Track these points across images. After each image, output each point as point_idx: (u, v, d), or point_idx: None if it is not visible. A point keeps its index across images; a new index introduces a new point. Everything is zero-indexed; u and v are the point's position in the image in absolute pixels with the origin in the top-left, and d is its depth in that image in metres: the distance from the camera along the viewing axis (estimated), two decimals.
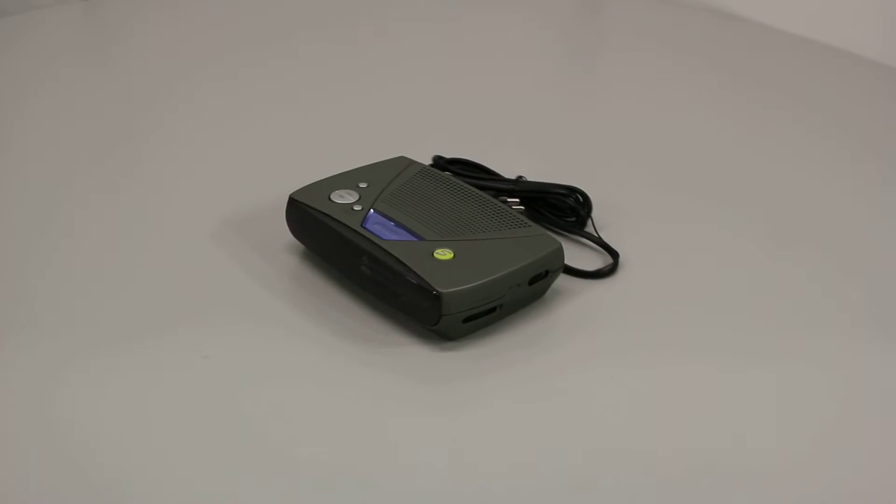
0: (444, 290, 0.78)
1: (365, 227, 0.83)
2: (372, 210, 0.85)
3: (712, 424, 0.75)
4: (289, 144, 1.04)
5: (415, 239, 0.82)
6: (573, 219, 0.91)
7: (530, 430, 0.75)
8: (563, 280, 0.86)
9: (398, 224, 0.83)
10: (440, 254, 0.81)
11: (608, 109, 1.15)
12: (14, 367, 0.78)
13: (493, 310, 0.80)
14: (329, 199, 0.86)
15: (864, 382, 0.79)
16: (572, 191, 0.91)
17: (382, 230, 0.83)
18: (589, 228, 0.91)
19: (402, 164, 0.91)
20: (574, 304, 0.85)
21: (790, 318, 0.85)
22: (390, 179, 0.88)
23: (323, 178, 0.88)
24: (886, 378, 0.79)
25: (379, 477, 0.71)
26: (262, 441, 0.73)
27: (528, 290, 0.82)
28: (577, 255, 0.89)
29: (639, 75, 1.20)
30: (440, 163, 0.95)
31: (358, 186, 0.87)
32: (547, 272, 0.83)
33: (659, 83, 1.18)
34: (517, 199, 0.93)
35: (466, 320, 0.79)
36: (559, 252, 0.83)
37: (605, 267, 0.88)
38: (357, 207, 0.85)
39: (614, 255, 0.89)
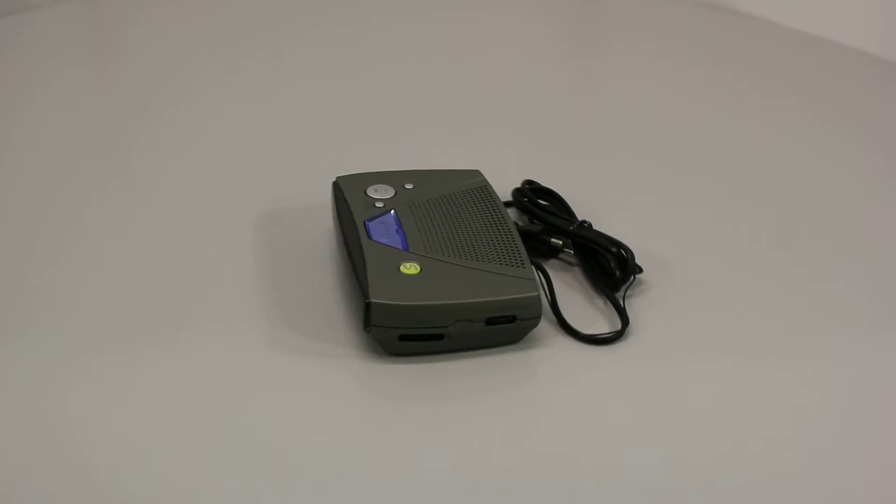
0: (375, 300, 0.77)
1: (366, 224, 0.83)
2: (392, 211, 0.84)
3: (719, 430, 0.76)
4: (290, 145, 1.04)
5: (399, 248, 0.81)
6: (615, 276, 0.85)
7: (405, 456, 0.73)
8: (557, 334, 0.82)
9: (400, 230, 0.83)
10: (407, 267, 0.79)
11: (609, 105, 1.16)
12: (15, 368, 0.79)
13: (438, 337, 0.78)
14: (364, 191, 0.86)
15: (880, 381, 0.80)
16: (618, 247, 0.85)
17: (380, 231, 0.82)
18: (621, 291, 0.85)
19: (465, 177, 0.89)
20: (551, 360, 0.80)
21: (802, 318, 0.85)
22: (439, 188, 0.87)
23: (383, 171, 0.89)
24: None
25: None
26: (263, 443, 0.74)
27: (488, 329, 0.78)
28: (588, 312, 0.84)
29: (640, 71, 1.20)
30: (524, 189, 0.92)
31: (403, 187, 0.87)
32: (514, 318, 0.79)
33: (660, 79, 1.18)
34: (568, 241, 0.88)
35: (403, 338, 0.78)
36: (534, 301, 0.78)
37: (604, 334, 0.81)
38: (379, 204, 0.85)
39: (625, 321, 0.82)
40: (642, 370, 0.80)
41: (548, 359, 0.80)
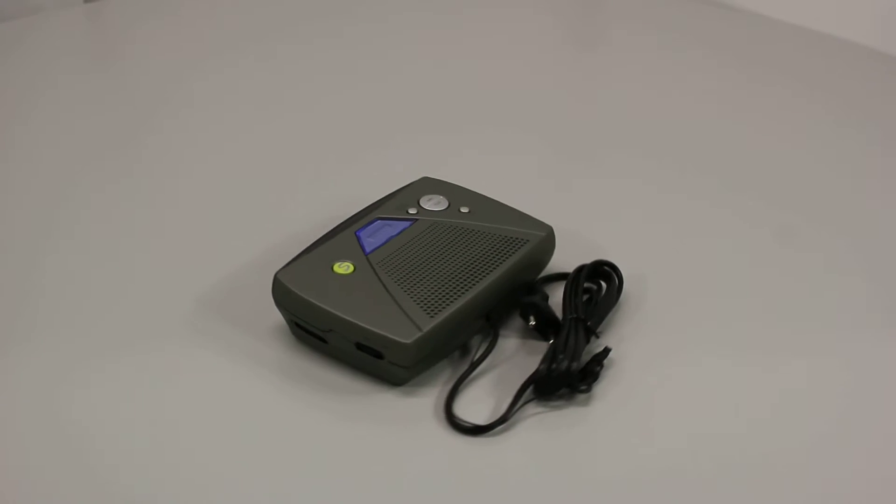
0: (280, 278, 0.79)
1: (373, 221, 0.84)
2: (410, 222, 0.84)
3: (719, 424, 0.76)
4: (291, 147, 1.04)
5: (364, 249, 0.81)
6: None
7: None
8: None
9: (390, 239, 0.82)
10: (340, 266, 0.80)
11: (611, 101, 1.15)
12: (19, 370, 0.79)
13: (321, 339, 0.78)
14: (419, 198, 0.86)
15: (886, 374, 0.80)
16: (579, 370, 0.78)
17: (373, 231, 0.83)
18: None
19: (526, 226, 0.85)
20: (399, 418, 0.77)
21: (804, 312, 0.85)
22: (485, 221, 0.85)
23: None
24: None
25: None
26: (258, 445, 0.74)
27: (359, 354, 0.77)
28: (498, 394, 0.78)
29: (640, 67, 1.20)
30: (584, 266, 0.85)
31: (459, 209, 0.85)
32: (382, 355, 0.76)
33: (660, 74, 1.18)
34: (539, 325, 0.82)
35: (297, 326, 0.79)
36: (399, 347, 0.75)
37: (467, 423, 0.75)
38: (412, 211, 0.85)
39: (502, 419, 0.75)
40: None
41: (398, 416, 0.77)
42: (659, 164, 1.02)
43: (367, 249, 0.81)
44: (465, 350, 0.81)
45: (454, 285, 0.79)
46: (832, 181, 1.00)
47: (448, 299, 0.78)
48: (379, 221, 0.84)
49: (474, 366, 0.78)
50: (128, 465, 0.73)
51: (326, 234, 0.83)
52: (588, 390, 0.76)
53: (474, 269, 0.81)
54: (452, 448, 0.74)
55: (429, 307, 0.77)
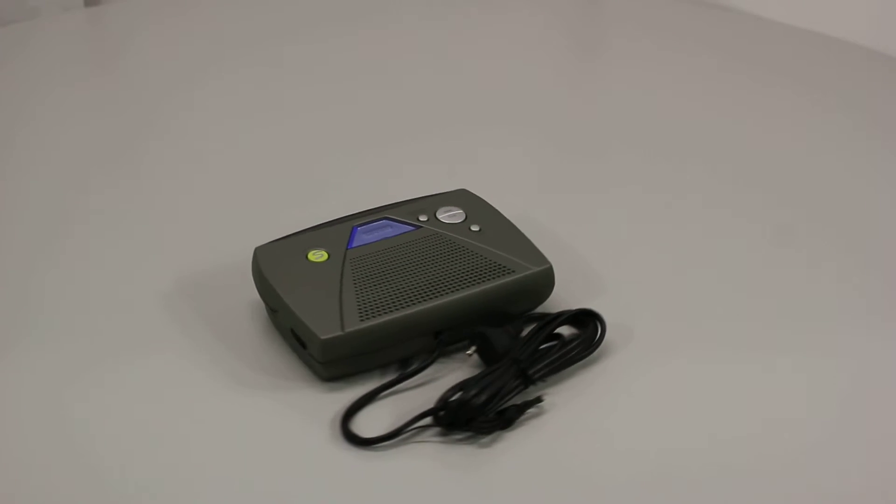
0: (256, 252, 0.81)
1: (380, 220, 0.84)
2: (413, 228, 0.83)
3: (716, 422, 0.76)
4: (294, 150, 1.04)
5: (350, 243, 0.82)
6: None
7: None
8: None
9: (381, 239, 0.82)
10: (314, 254, 0.81)
11: (610, 103, 1.15)
12: (23, 372, 0.79)
13: (273, 310, 0.80)
14: (438, 209, 0.85)
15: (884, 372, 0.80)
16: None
17: (372, 229, 0.83)
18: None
19: (528, 259, 0.82)
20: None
21: (803, 311, 0.85)
22: (490, 247, 0.83)
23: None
24: None
25: None
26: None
27: (293, 339, 0.78)
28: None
29: (641, 69, 1.20)
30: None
31: (470, 228, 0.84)
32: (305, 346, 0.77)
33: (661, 76, 1.18)
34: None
35: (265, 302, 0.81)
36: (313, 339, 0.75)
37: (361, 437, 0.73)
38: (422, 218, 0.84)
39: (394, 432, 0.74)
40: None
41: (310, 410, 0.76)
42: (663, 165, 1.03)
43: (352, 244, 0.82)
44: (406, 364, 0.79)
45: (406, 296, 0.78)
46: (832, 181, 1.00)
47: (390, 308, 0.77)
48: (384, 221, 0.84)
49: (394, 382, 0.76)
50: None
51: (332, 220, 0.84)
52: (487, 433, 0.73)
53: (439, 286, 0.79)
54: (331, 453, 0.73)
55: (366, 311, 0.77)
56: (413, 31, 1.27)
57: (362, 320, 0.76)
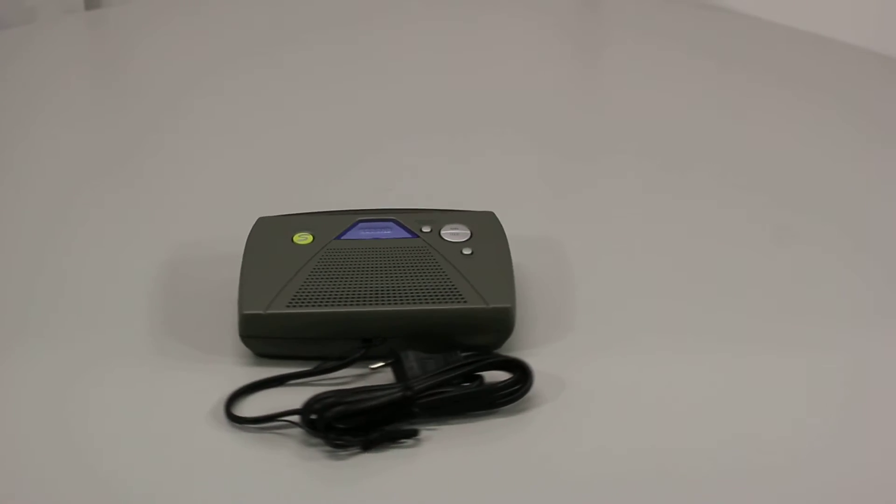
0: (257, 222, 0.84)
1: (388, 219, 0.84)
2: (417, 238, 0.82)
3: (717, 420, 0.76)
4: (298, 154, 1.04)
5: (342, 234, 0.82)
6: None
7: None
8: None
9: (379, 240, 0.82)
10: (301, 236, 0.82)
11: (610, 106, 1.16)
12: (23, 373, 0.79)
13: None
14: (443, 227, 0.83)
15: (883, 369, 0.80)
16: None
17: (378, 227, 0.83)
18: None
19: (491, 294, 0.79)
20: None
21: (804, 307, 0.85)
22: (466, 272, 0.80)
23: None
24: None
25: None
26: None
27: None
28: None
29: (640, 72, 1.20)
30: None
31: (462, 251, 0.81)
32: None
33: (660, 79, 1.18)
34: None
35: None
36: (239, 315, 0.77)
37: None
38: (426, 229, 0.83)
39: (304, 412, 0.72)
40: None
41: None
42: (661, 166, 1.02)
43: (343, 236, 0.82)
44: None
45: (349, 296, 0.77)
46: (831, 183, 1.00)
47: (324, 302, 0.77)
48: (390, 223, 0.84)
49: (303, 374, 0.76)
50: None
51: (343, 210, 0.84)
52: (341, 447, 0.71)
53: (387, 295, 0.78)
54: (213, 426, 0.74)
55: (300, 299, 0.77)
56: (412, 36, 1.27)
57: (289, 306, 0.77)
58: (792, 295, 0.87)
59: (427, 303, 0.77)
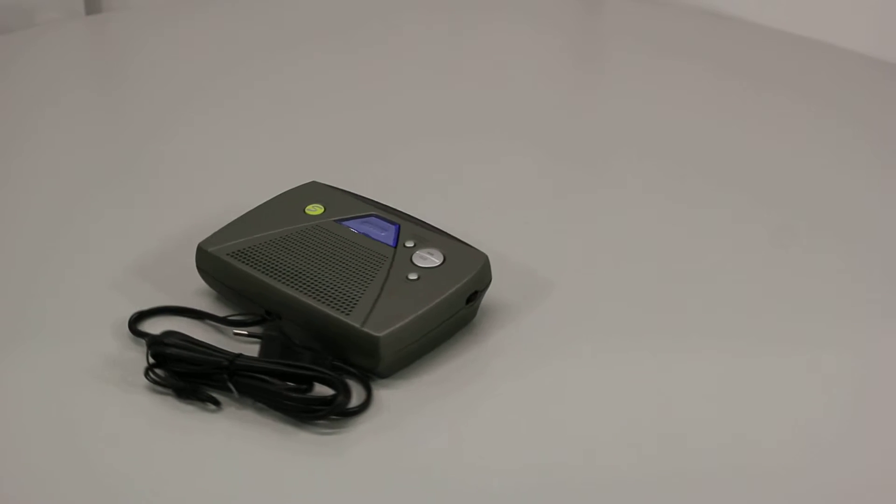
0: (306, 184, 0.90)
1: (397, 223, 0.85)
2: (398, 250, 0.83)
3: (716, 418, 0.76)
4: (300, 156, 1.04)
5: (346, 222, 0.85)
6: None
7: None
8: None
9: (364, 235, 0.84)
10: (313, 207, 0.87)
11: (610, 112, 1.15)
12: (22, 374, 0.80)
13: None
14: (419, 250, 0.83)
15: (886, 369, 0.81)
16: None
17: (381, 226, 0.85)
18: None
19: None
20: None
21: (802, 307, 0.86)
22: (379, 293, 0.80)
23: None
24: None
25: None
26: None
27: None
28: None
29: (640, 78, 1.20)
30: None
31: (408, 276, 0.81)
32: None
33: (660, 86, 1.18)
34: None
35: None
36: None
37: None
38: (409, 244, 0.83)
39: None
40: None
41: None
42: (658, 171, 1.03)
43: (344, 221, 0.85)
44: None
45: (272, 268, 0.81)
46: (831, 187, 1.01)
47: (249, 264, 0.82)
48: (392, 226, 0.85)
49: (202, 315, 0.83)
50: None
51: (376, 202, 0.87)
52: (156, 383, 0.77)
53: (302, 282, 0.80)
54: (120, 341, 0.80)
55: (239, 254, 0.83)
56: (411, 42, 1.27)
57: (227, 255, 0.83)
58: (790, 296, 0.87)
59: (321, 301, 0.79)
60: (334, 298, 0.79)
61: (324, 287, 0.80)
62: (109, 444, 0.74)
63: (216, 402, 0.76)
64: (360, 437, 0.74)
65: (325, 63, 1.22)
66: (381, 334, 0.76)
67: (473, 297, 0.81)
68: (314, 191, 0.89)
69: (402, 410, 0.76)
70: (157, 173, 1.03)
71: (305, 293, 0.79)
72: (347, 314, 0.78)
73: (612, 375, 0.80)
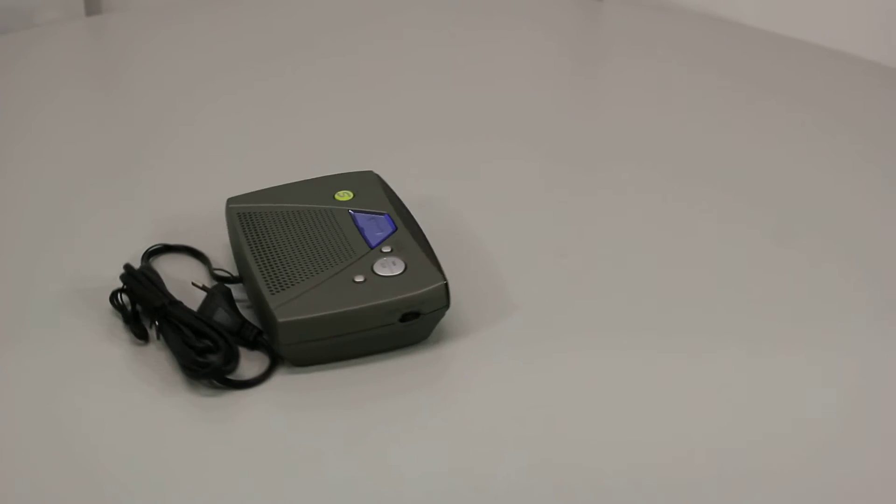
0: (365, 172, 0.92)
1: (396, 230, 0.86)
2: (368, 251, 0.84)
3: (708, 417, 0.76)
4: (300, 155, 1.04)
5: (358, 220, 0.86)
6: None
7: None
8: None
9: (361, 229, 0.85)
10: (343, 193, 0.89)
11: (611, 115, 1.16)
12: (20, 372, 0.80)
13: None
14: (386, 256, 0.83)
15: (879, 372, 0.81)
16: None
17: (386, 224, 0.86)
18: None
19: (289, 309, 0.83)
20: None
21: (795, 310, 0.86)
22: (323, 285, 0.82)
23: None
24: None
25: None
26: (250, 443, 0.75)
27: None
28: None
29: (640, 82, 1.20)
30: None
31: (354, 278, 0.82)
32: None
33: (660, 89, 1.18)
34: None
35: None
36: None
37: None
38: (386, 249, 0.83)
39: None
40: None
41: None
42: (661, 175, 1.03)
43: (356, 214, 0.87)
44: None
45: (260, 237, 0.85)
46: (829, 190, 1.01)
47: (247, 232, 0.86)
48: (392, 230, 0.85)
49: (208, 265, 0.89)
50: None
51: (401, 204, 0.89)
52: (111, 302, 0.83)
53: (267, 256, 0.83)
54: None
55: (246, 217, 0.87)
56: (411, 46, 1.27)
57: (238, 214, 0.88)
58: (789, 299, 0.87)
59: (263, 276, 0.82)
60: (276, 277, 0.81)
61: (278, 265, 0.82)
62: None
63: (144, 339, 0.81)
64: (242, 411, 0.77)
65: (324, 63, 1.22)
66: (281, 319, 0.78)
67: (412, 316, 0.80)
68: (363, 180, 0.90)
69: (297, 403, 0.78)
70: (156, 173, 1.03)
71: (260, 266, 0.82)
72: (274, 294, 0.80)
73: (607, 376, 0.80)
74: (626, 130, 1.10)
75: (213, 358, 0.78)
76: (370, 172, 0.91)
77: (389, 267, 0.82)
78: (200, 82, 1.18)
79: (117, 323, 0.83)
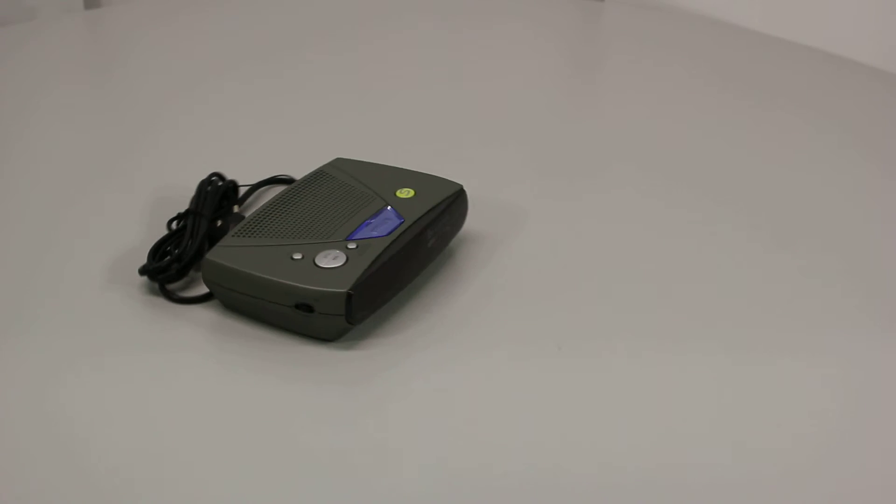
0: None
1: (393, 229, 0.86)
2: (347, 240, 0.84)
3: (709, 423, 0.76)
4: (300, 152, 1.04)
5: (358, 227, 0.87)
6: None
7: None
8: None
9: (366, 227, 0.85)
10: (404, 192, 0.89)
11: (610, 117, 1.16)
12: (15, 366, 0.80)
13: None
14: (325, 252, 0.84)
15: (872, 378, 0.81)
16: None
17: (385, 222, 0.86)
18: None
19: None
20: None
21: (791, 315, 0.86)
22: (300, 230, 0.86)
23: None
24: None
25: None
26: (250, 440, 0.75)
27: None
28: None
29: (640, 84, 1.20)
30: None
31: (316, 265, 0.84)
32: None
33: (660, 91, 1.18)
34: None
35: None
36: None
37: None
38: (352, 246, 0.83)
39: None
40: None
41: None
42: (655, 177, 1.03)
43: (383, 211, 0.87)
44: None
45: (292, 200, 0.88)
46: (828, 194, 1.01)
47: (301, 185, 0.90)
48: (391, 232, 0.84)
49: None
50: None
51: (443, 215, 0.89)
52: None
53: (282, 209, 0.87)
54: None
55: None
56: (411, 47, 1.27)
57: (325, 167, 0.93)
58: (788, 302, 0.87)
59: (254, 218, 0.86)
60: (256, 225, 0.85)
61: (272, 217, 0.86)
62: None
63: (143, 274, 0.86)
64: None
65: (324, 60, 1.22)
66: (207, 256, 0.83)
67: (305, 308, 0.80)
68: (440, 188, 0.90)
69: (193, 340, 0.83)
70: (155, 167, 1.03)
71: (261, 211, 0.87)
72: (233, 235, 0.85)
73: (597, 382, 0.80)
74: (626, 131, 1.10)
75: (165, 263, 0.85)
76: (457, 186, 0.90)
77: (330, 259, 0.82)
78: (199, 76, 1.18)
79: (121, 309, 0.84)
